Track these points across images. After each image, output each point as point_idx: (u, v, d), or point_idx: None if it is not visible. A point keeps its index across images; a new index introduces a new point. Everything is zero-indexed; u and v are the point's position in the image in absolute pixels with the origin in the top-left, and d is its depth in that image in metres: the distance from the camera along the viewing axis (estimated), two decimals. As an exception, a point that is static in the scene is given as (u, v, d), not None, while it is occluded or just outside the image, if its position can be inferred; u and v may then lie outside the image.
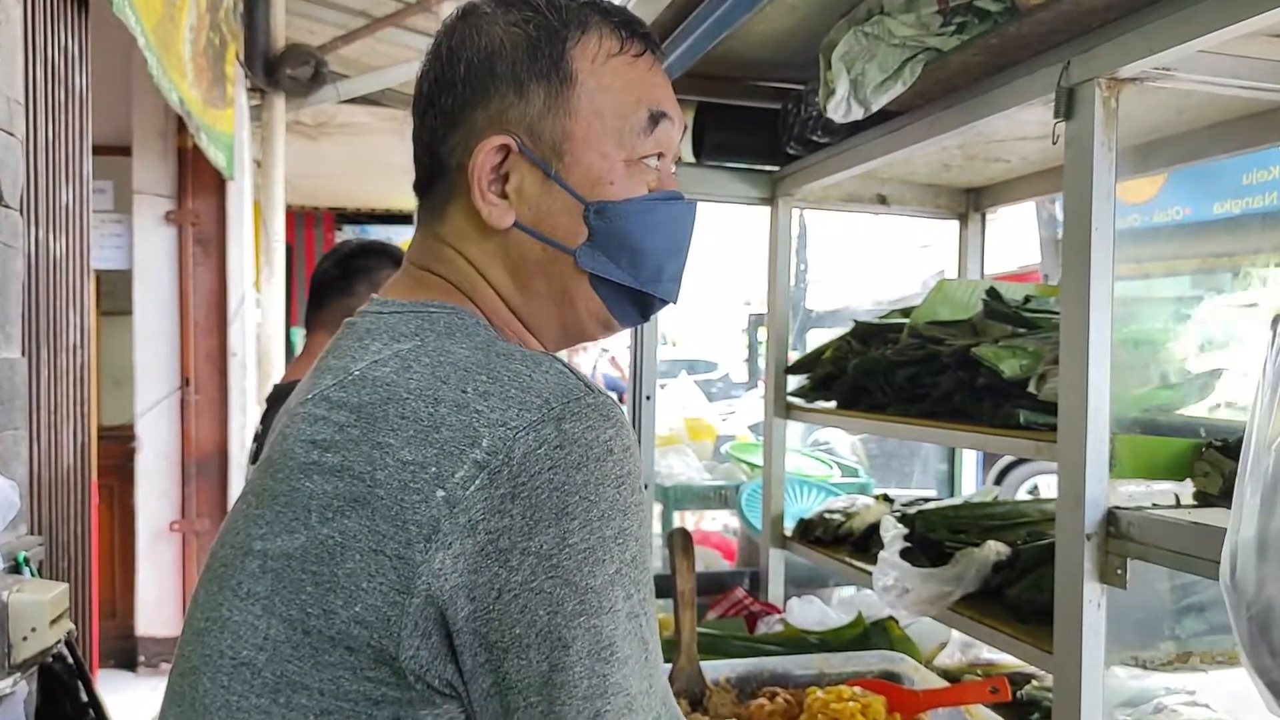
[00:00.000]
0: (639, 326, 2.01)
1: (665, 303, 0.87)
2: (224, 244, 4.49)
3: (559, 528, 0.65)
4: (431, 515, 0.65)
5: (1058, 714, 1.18)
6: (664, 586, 1.97)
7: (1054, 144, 1.19)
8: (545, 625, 0.64)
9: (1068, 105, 1.16)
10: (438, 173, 0.82)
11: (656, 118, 0.82)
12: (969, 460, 2.15)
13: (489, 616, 0.65)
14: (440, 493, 0.65)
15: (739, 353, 13.79)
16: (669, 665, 1.60)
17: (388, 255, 1.91)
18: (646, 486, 2.00)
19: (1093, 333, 1.13)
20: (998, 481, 5.29)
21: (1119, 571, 1.13)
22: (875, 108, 1.36)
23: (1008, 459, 5.29)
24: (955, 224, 2.17)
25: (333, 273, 1.91)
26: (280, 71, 4.81)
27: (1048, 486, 6.50)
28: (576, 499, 0.65)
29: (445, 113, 0.81)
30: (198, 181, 4.38)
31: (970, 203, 2.13)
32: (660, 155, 0.83)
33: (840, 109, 1.36)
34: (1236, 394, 1.28)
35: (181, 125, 4.29)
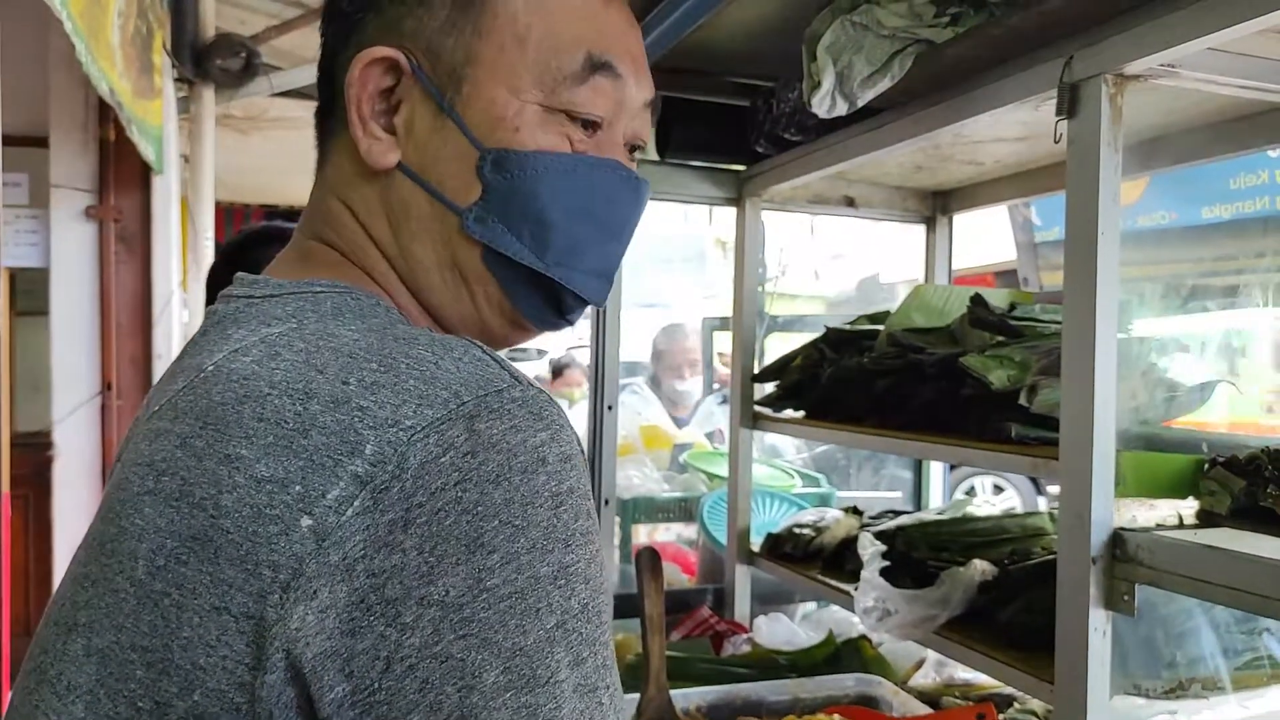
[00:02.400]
0: (597, 325, 1.90)
1: (583, 300, 0.68)
2: (149, 241, 4.28)
3: (471, 565, 0.47)
4: (293, 553, 0.47)
5: (1059, 747, 1.11)
6: (629, 608, 1.88)
7: (1055, 143, 1.12)
8: (456, 708, 0.46)
9: (1071, 103, 1.10)
10: (329, 101, 0.67)
11: (596, 65, 0.64)
12: (936, 469, 2.10)
13: (373, 700, 0.46)
14: (306, 521, 0.47)
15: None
16: (635, 695, 1.51)
17: (283, 241, 1.70)
18: (608, 503, 1.90)
19: (1099, 342, 1.07)
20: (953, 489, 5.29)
21: (1126, 597, 1.06)
22: (861, 102, 1.28)
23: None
24: (913, 228, 2.13)
25: (221, 272, 1.65)
26: (210, 62, 4.60)
27: (983, 487, 6.58)
28: (496, 525, 0.48)
29: (342, 17, 0.66)
30: (121, 175, 4.17)
31: (938, 205, 2.07)
32: (594, 123, 0.65)
33: (825, 103, 1.28)
34: (1236, 406, 1.23)
35: (103, 116, 4.07)
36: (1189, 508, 1.13)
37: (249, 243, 1.65)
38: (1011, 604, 1.30)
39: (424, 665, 0.46)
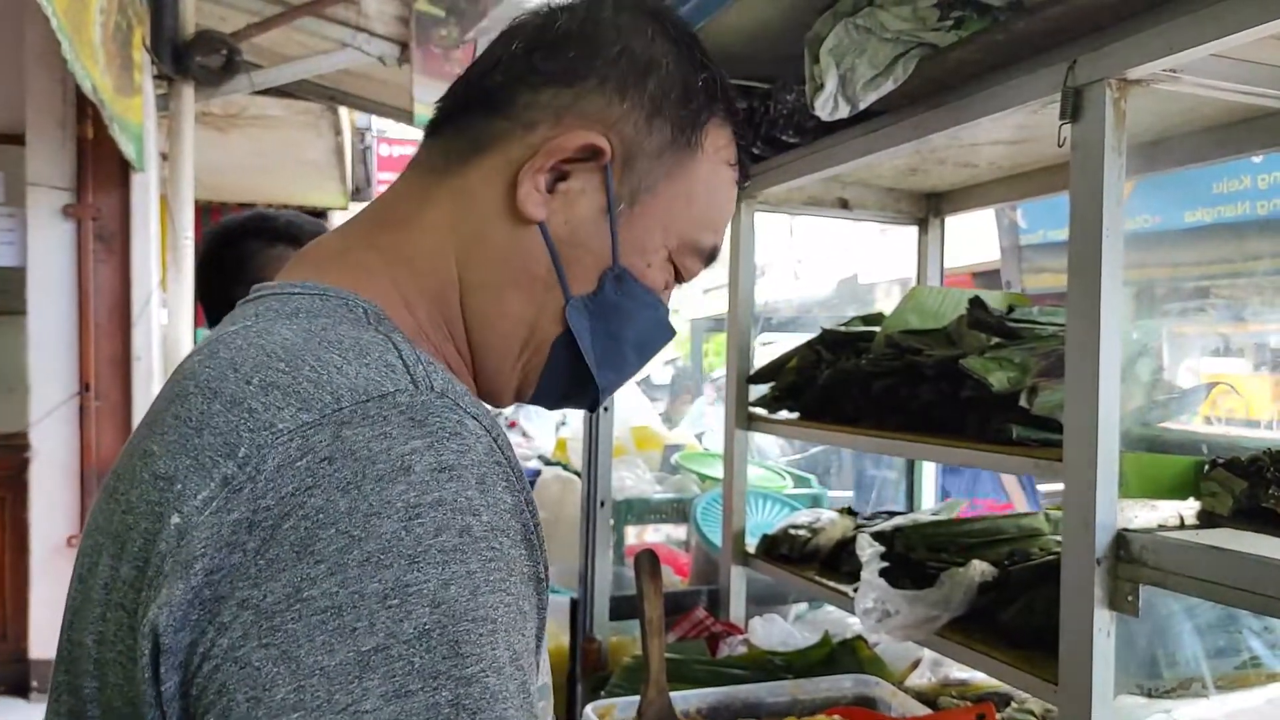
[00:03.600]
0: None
1: (590, 403, 0.76)
2: (128, 240, 4.23)
3: (295, 573, 0.45)
4: (160, 550, 0.48)
5: (1063, 747, 1.12)
6: (626, 610, 1.88)
7: (1059, 146, 1.13)
8: (242, 718, 0.44)
9: (1075, 107, 1.11)
10: (489, 111, 0.68)
11: (711, 254, 0.75)
12: (929, 470, 2.11)
13: (190, 696, 0.46)
14: (175, 519, 0.48)
15: (662, 353, 13.76)
16: (634, 697, 1.51)
17: (266, 234, 1.56)
18: (604, 504, 1.89)
19: (1103, 343, 1.07)
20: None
21: (1130, 598, 1.07)
22: (864, 105, 1.28)
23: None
24: (897, 230, 2.14)
25: (208, 272, 1.59)
26: (189, 59, 4.55)
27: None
28: (331, 533, 0.46)
29: (563, 63, 0.68)
30: (99, 173, 4.11)
31: (931, 208, 2.09)
32: (679, 281, 0.75)
33: (828, 106, 1.28)
34: (1232, 406, 1.24)
35: (81, 113, 4.02)
36: (1190, 509, 1.14)
37: (229, 238, 1.60)
38: (1012, 605, 1.31)
39: (225, 668, 0.45)
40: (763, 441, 4.99)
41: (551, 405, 0.76)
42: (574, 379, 0.71)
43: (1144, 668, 1.14)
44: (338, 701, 0.43)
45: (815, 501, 2.32)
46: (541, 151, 0.66)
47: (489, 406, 0.66)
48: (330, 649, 0.44)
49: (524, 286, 0.68)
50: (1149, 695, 1.13)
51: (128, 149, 3.53)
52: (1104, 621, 1.08)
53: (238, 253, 1.56)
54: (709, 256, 0.75)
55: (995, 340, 1.47)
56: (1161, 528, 1.11)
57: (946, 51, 1.21)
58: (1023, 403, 1.28)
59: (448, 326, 0.68)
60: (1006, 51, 1.18)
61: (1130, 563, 1.07)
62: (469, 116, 0.69)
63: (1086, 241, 1.10)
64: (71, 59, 2.39)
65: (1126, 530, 1.08)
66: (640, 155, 0.68)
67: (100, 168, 4.06)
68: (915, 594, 1.37)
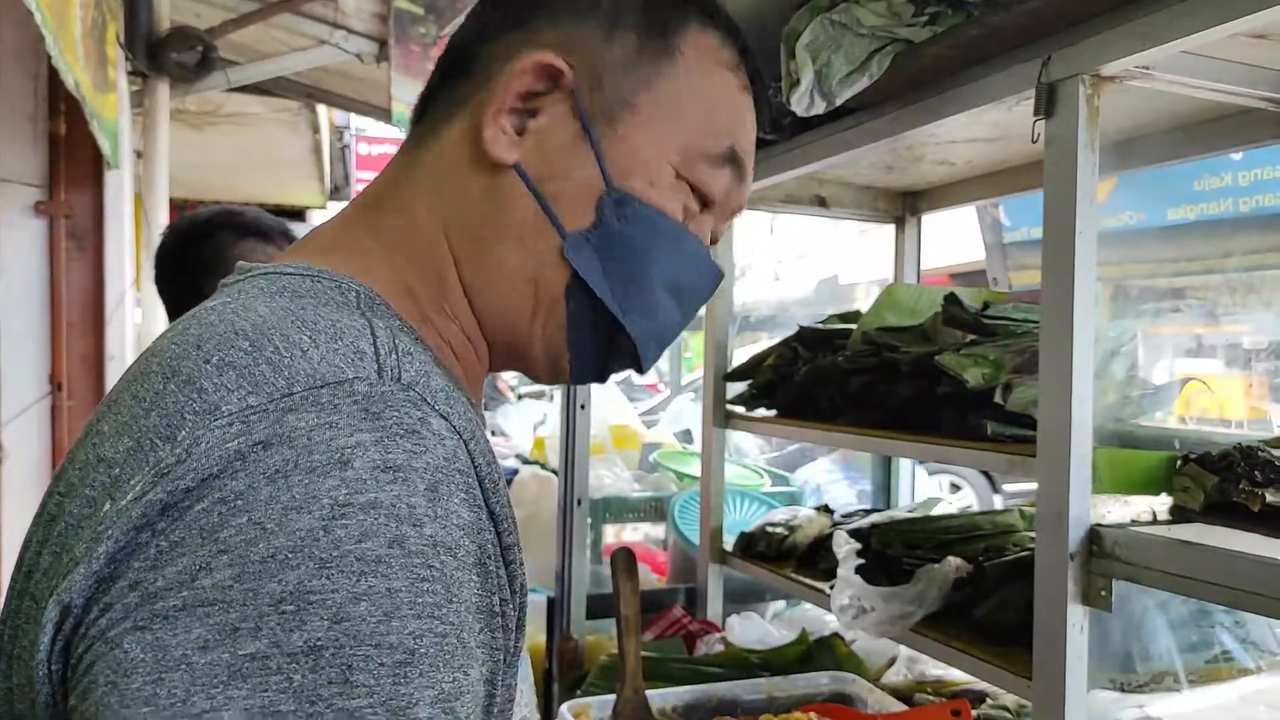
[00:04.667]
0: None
1: (632, 360, 0.67)
2: (101, 238, 4.17)
3: (194, 559, 0.41)
4: (90, 535, 0.44)
5: (1037, 742, 1.12)
6: (603, 608, 1.87)
7: (1033, 143, 1.13)
8: (98, 702, 0.40)
9: (1049, 103, 1.11)
10: (456, 76, 0.66)
11: (734, 159, 0.67)
12: (905, 467, 2.11)
13: (74, 672, 0.43)
14: (107, 506, 0.45)
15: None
16: (610, 696, 1.50)
17: (237, 227, 1.54)
18: (580, 503, 1.88)
19: (1077, 340, 1.08)
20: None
21: (1103, 593, 1.07)
22: (840, 101, 1.28)
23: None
24: (878, 229, 2.14)
25: (174, 266, 1.55)
26: (164, 55, 4.52)
27: (940, 486, 6.67)
28: (243, 521, 0.42)
29: (510, 8, 0.66)
30: (71, 170, 4.05)
31: (908, 206, 2.09)
32: (706, 204, 0.68)
33: (804, 101, 1.28)
34: (1205, 404, 1.25)
35: (53, 109, 3.96)
36: (1163, 504, 1.15)
37: (200, 232, 1.57)
38: (987, 601, 1.31)
39: (96, 648, 0.42)
40: (740, 440, 5.01)
41: (598, 375, 0.68)
42: (603, 333, 0.64)
43: (1117, 662, 1.14)
44: (194, 705, 0.39)
45: (793, 500, 2.32)
46: (498, 90, 0.62)
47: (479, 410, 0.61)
48: (204, 645, 0.40)
49: (514, 238, 0.62)
50: (1122, 690, 1.14)
51: (104, 145, 3.49)
52: (1077, 617, 1.08)
53: (211, 245, 1.54)
54: (728, 161, 0.67)
55: (971, 337, 1.47)
56: (1134, 523, 1.11)
57: (921, 47, 1.21)
58: (998, 399, 1.28)
59: (451, 308, 0.64)
60: (981, 47, 1.18)
61: (1103, 558, 1.07)
62: (442, 87, 0.68)
63: (1060, 238, 1.10)
64: (56, 55, 2.36)
65: (1100, 525, 1.09)
66: (607, 71, 0.64)
67: (72, 165, 4.00)
68: (890, 590, 1.37)
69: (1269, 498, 1.02)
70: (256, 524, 0.42)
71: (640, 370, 0.68)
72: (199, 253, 1.53)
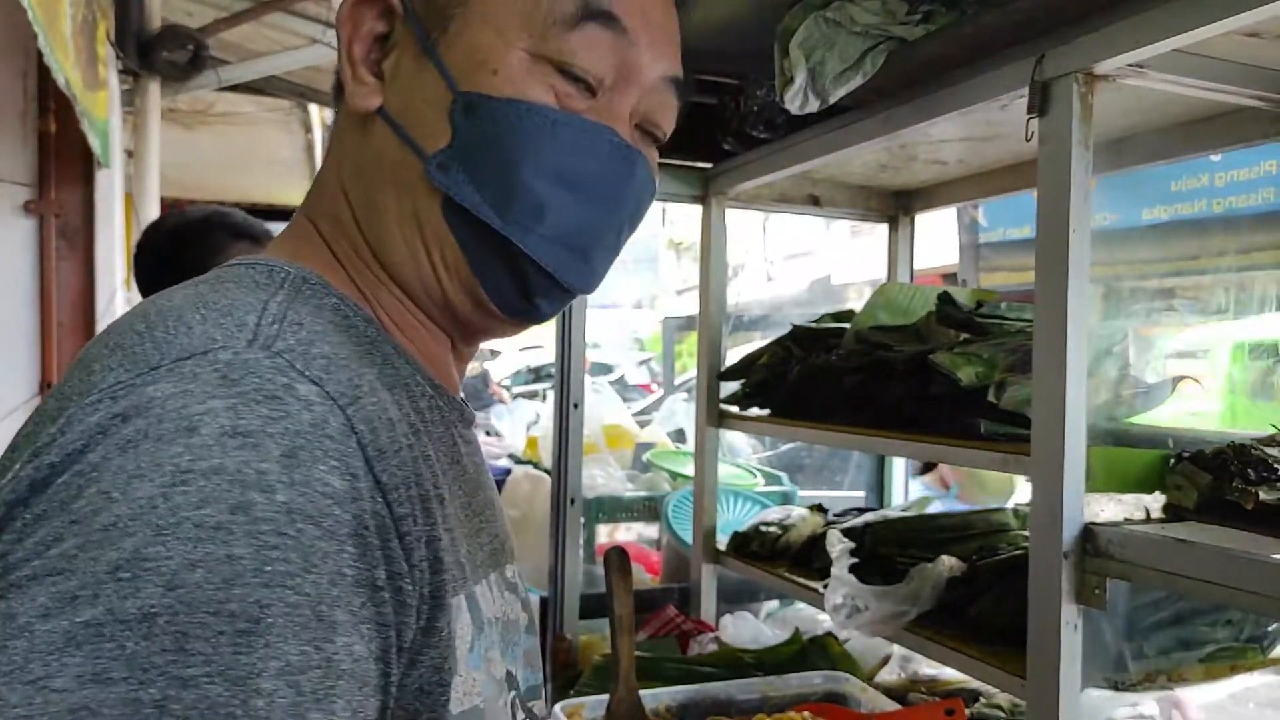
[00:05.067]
0: (562, 322, 1.87)
1: (549, 276, 0.60)
2: (91, 237, 4.15)
3: (49, 528, 0.41)
4: None
5: (1031, 741, 1.12)
6: (597, 608, 1.86)
7: (1027, 141, 1.13)
8: None
9: (1043, 101, 1.11)
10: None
11: (592, 12, 0.58)
12: (898, 466, 2.11)
13: None
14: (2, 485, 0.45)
15: (634, 355, 13.79)
16: (604, 696, 1.49)
17: (229, 228, 1.55)
18: (574, 502, 1.88)
19: (1070, 339, 1.08)
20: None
21: (1097, 591, 1.07)
22: (833, 99, 1.28)
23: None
24: (871, 229, 2.15)
25: (162, 269, 1.54)
26: (155, 54, 4.49)
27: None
28: (93, 492, 0.42)
29: None
30: (62, 169, 4.03)
31: (901, 205, 2.09)
32: (586, 82, 0.59)
33: (797, 99, 1.28)
34: (1196, 402, 1.25)
35: (43, 107, 3.94)
36: (1156, 502, 1.15)
37: (192, 232, 1.56)
38: (980, 599, 1.31)
39: None
40: (734, 439, 5.00)
41: (524, 300, 0.62)
42: (499, 253, 0.59)
43: (1111, 660, 1.14)
44: (31, 671, 0.38)
45: (786, 499, 2.31)
46: (341, 43, 0.61)
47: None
48: (46, 613, 0.39)
49: (388, 179, 0.60)
50: (1116, 688, 1.14)
51: (94, 144, 3.47)
52: (1071, 615, 1.08)
53: (204, 247, 1.53)
54: (580, 15, 0.58)
55: (964, 336, 1.47)
56: (1128, 521, 1.11)
57: (915, 45, 1.21)
58: (991, 398, 1.28)
59: (371, 272, 0.62)
60: (975, 45, 1.18)
61: (1097, 556, 1.07)
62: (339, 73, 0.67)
63: (1054, 237, 1.10)
64: (48, 53, 2.34)
65: (1093, 524, 1.09)
66: None
67: (63, 163, 3.99)
68: (884, 589, 1.37)
69: (1262, 496, 1.03)
70: (103, 493, 0.41)
71: (571, 286, 0.62)
72: (190, 254, 1.52)
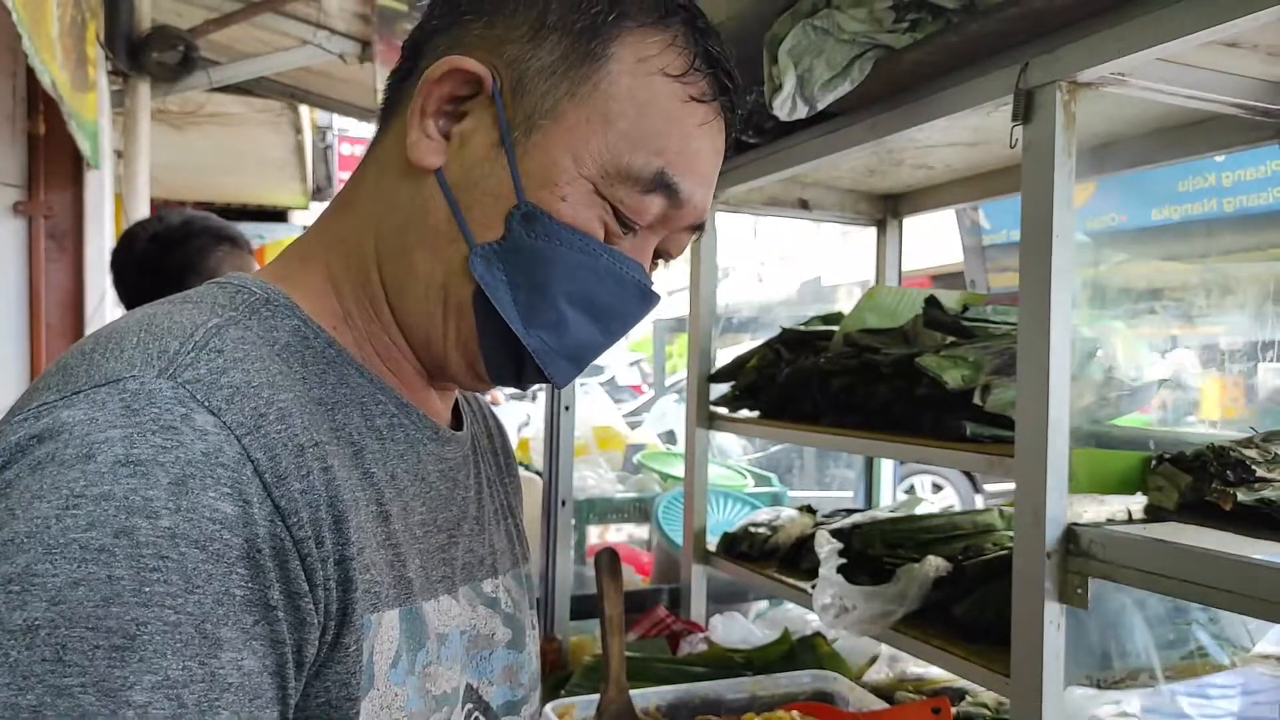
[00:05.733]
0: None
1: (545, 375, 0.66)
2: (81, 239, 4.14)
3: None
4: None
5: (1015, 738, 1.14)
6: (587, 609, 1.88)
7: (1011, 148, 1.15)
8: None
9: (1026, 108, 1.13)
10: (403, 76, 0.66)
11: (663, 184, 0.62)
12: (887, 467, 2.13)
13: None
14: None
15: (624, 356, 13.80)
16: (595, 696, 1.51)
17: (211, 232, 1.56)
18: (564, 504, 1.89)
19: (1054, 342, 1.10)
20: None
21: (1079, 591, 1.09)
22: (821, 105, 1.30)
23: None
24: (846, 230, 2.17)
25: (146, 282, 1.56)
26: (145, 55, 4.49)
27: (922, 486, 6.73)
28: (2, 508, 0.46)
29: (453, 7, 0.64)
30: (51, 170, 4.02)
31: (889, 209, 2.11)
32: (633, 226, 0.64)
33: (786, 106, 1.29)
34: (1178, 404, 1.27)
35: (32, 108, 3.93)
36: (1138, 503, 1.17)
37: (175, 238, 1.57)
38: (966, 599, 1.33)
39: None
40: (724, 440, 5.02)
41: (515, 382, 0.67)
42: (513, 343, 0.64)
43: (1094, 659, 1.16)
44: None
45: (776, 500, 2.33)
46: (418, 93, 0.62)
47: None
48: None
49: (428, 244, 0.63)
50: (1098, 686, 1.15)
51: (83, 145, 3.47)
52: (1054, 614, 1.10)
53: (187, 251, 1.54)
54: (652, 185, 0.62)
55: (950, 339, 1.49)
56: (1110, 522, 1.13)
57: (902, 53, 1.22)
58: (976, 400, 1.30)
59: (372, 307, 0.65)
60: (960, 53, 1.20)
61: (1079, 556, 1.09)
62: (393, 87, 0.68)
63: (1037, 242, 1.12)
64: (32, 54, 2.34)
65: (1076, 525, 1.10)
66: (531, 76, 0.61)
67: (52, 165, 3.98)
68: (871, 589, 1.39)
69: (1240, 497, 1.04)
70: (9, 510, 0.45)
71: (556, 384, 0.68)
72: (174, 259, 1.53)
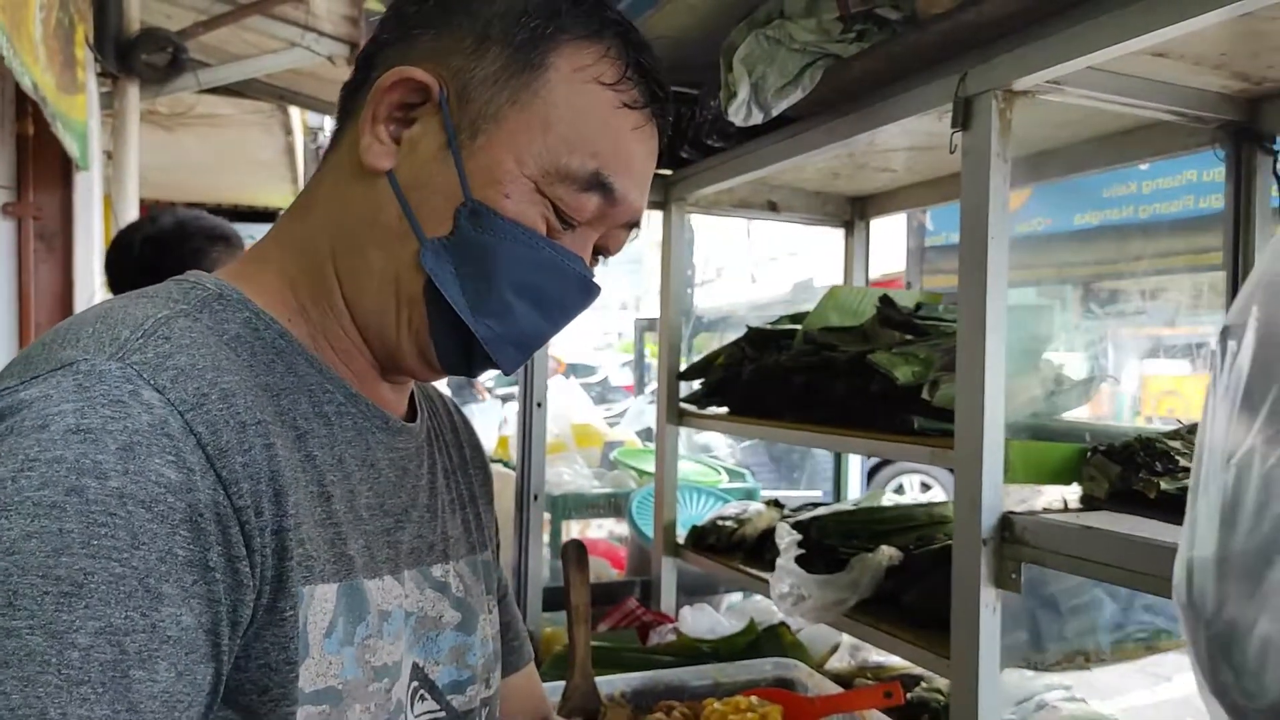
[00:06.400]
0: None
1: (491, 361, 0.70)
2: (70, 239, 4.17)
3: None
4: None
5: (955, 717, 1.19)
6: (558, 600, 1.92)
7: (951, 153, 1.20)
8: None
9: (965, 116, 1.18)
10: (358, 85, 0.70)
11: (598, 184, 0.67)
12: (854, 462, 2.18)
13: None
14: None
15: (617, 357, 13.84)
16: (561, 683, 1.55)
17: (204, 233, 1.60)
18: (536, 498, 1.94)
19: (989, 339, 1.15)
20: (867, 481, 5.44)
21: (1013, 576, 1.14)
22: (775, 112, 1.35)
23: (875, 459, 5.42)
24: (839, 231, 2.22)
25: (129, 267, 1.59)
26: (134, 57, 4.52)
27: (910, 485, 6.79)
28: None
29: (402, 20, 0.69)
30: (40, 172, 4.05)
31: (855, 211, 2.16)
32: (571, 221, 0.68)
33: (741, 112, 1.34)
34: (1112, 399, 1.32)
35: (21, 111, 3.96)
36: (1074, 493, 1.22)
37: (171, 239, 1.61)
38: (915, 586, 1.38)
39: None
40: (711, 439, 5.07)
41: (465, 369, 0.71)
42: (463, 332, 0.68)
43: (1030, 642, 1.21)
44: None
45: (749, 496, 2.38)
46: (369, 101, 0.67)
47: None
48: None
49: (380, 241, 0.67)
50: (1035, 669, 1.21)
51: (71, 147, 3.50)
52: (990, 598, 1.16)
53: (182, 251, 1.58)
54: (589, 184, 0.67)
55: (906, 337, 1.54)
56: (1046, 510, 1.18)
57: (850, 62, 1.28)
58: (924, 395, 1.35)
59: (327, 302, 0.69)
60: (904, 63, 1.25)
61: (1013, 543, 1.14)
62: (348, 94, 0.72)
63: (974, 244, 1.17)
64: (10, 56, 2.38)
65: (1011, 513, 1.16)
66: (475, 84, 0.66)
67: (41, 166, 4.01)
68: (825, 578, 1.44)
69: (1164, 486, 1.10)
70: None
71: (503, 370, 0.72)
72: (170, 259, 1.57)
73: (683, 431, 2.01)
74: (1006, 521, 1.15)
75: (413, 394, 0.81)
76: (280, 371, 0.65)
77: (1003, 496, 1.16)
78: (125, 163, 4.56)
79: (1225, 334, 0.53)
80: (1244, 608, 0.49)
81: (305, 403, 0.65)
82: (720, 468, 2.58)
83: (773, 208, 2.08)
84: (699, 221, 2.06)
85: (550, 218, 0.68)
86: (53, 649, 0.47)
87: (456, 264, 0.66)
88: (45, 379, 0.54)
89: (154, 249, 1.63)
